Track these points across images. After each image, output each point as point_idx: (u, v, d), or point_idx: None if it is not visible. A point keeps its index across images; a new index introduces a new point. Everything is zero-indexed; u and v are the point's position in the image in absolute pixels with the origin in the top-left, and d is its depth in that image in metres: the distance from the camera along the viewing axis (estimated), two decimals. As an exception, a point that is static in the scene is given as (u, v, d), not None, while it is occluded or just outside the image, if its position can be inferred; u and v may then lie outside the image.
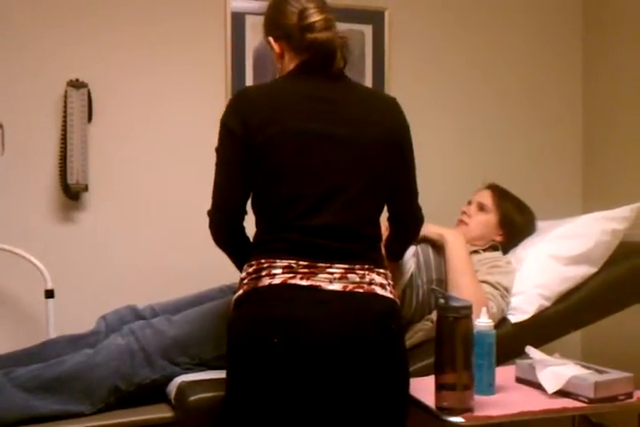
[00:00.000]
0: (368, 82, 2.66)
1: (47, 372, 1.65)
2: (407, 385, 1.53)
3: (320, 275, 1.47)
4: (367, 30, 2.68)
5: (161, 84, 2.47)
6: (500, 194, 2.30)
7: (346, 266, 1.49)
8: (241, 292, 1.52)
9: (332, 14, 1.59)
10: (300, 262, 1.47)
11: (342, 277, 1.47)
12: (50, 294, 2.16)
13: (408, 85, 2.72)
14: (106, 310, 2.03)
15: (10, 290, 2.32)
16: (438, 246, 2.08)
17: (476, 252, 2.17)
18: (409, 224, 1.75)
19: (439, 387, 1.50)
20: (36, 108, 2.34)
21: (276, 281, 1.46)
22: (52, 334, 2.08)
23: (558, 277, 2.06)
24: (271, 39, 1.64)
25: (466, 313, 1.49)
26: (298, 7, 1.57)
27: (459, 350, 1.48)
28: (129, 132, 2.44)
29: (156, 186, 2.46)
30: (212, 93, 2.51)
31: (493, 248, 2.23)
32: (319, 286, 1.46)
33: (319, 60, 1.58)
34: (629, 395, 1.59)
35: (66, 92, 2.31)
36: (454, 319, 1.49)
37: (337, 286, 1.47)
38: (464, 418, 1.44)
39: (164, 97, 2.48)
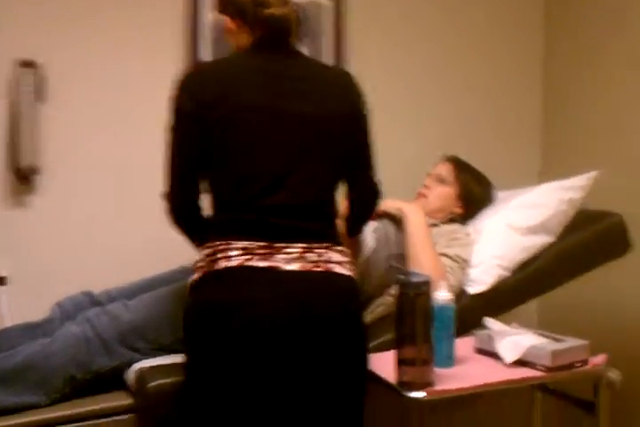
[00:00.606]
0: (327, 55, 2.60)
1: (1, 363, 1.61)
2: (366, 364, 1.53)
3: (277, 255, 1.45)
4: (326, 2, 2.63)
5: (117, 64, 2.39)
6: (459, 166, 2.30)
7: (304, 245, 1.48)
8: (196, 276, 1.50)
9: None
10: (257, 243, 1.45)
11: (300, 257, 1.46)
12: (2, 281, 2.11)
13: (369, 58, 2.68)
14: (62, 295, 1.99)
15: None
16: (398, 221, 2.07)
17: (435, 225, 2.17)
18: (367, 199, 1.73)
19: (399, 362, 1.50)
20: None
21: (233, 263, 1.44)
22: (8, 323, 2.03)
23: (517, 247, 2.07)
24: (225, 17, 1.60)
25: (425, 289, 1.49)
26: None
27: (418, 325, 1.48)
28: (84, 114, 2.36)
29: (111, 167, 2.40)
30: (167, 73, 2.41)
31: (452, 220, 2.24)
32: (277, 266, 1.44)
33: (274, 36, 1.56)
34: (585, 362, 1.61)
35: (14, 72, 2.24)
36: (414, 295, 1.48)
37: (295, 266, 1.45)
38: (425, 392, 1.45)
39: (119, 77, 2.40)
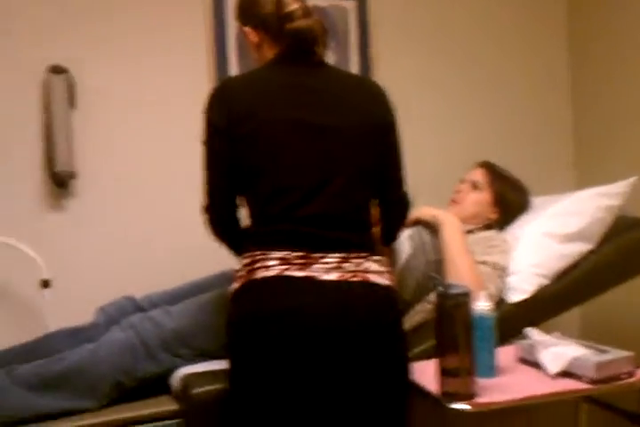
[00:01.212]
0: (353, 60, 2.62)
1: (49, 369, 1.64)
2: (407, 373, 1.53)
3: (315, 265, 1.46)
4: (350, 6, 2.63)
5: (145, 68, 2.43)
6: (493, 172, 2.29)
7: (341, 255, 1.48)
8: (237, 285, 1.51)
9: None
10: (295, 253, 1.46)
11: (337, 267, 1.47)
12: (46, 284, 2.14)
13: (394, 62, 2.68)
14: (102, 298, 2.02)
15: (3, 282, 2.29)
16: (433, 228, 2.07)
17: (470, 231, 2.16)
18: (397, 210, 1.73)
19: (442, 373, 1.50)
20: (18, 96, 2.29)
21: (271, 273, 1.45)
22: (50, 325, 2.06)
23: (554, 255, 2.06)
24: (247, 29, 1.61)
25: (464, 300, 1.49)
26: None
27: (460, 335, 1.48)
28: (115, 118, 2.40)
29: (146, 170, 2.43)
30: (195, 76, 2.47)
31: (488, 227, 2.23)
32: (314, 276, 1.45)
33: (300, 48, 1.56)
34: (630, 374, 1.60)
35: (46, 78, 2.26)
36: (453, 306, 1.48)
37: (332, 276, 1.46)
38: (469, 405, 1.45)
39: (148, 81, 2.43)
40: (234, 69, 2.50)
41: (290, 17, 1.54)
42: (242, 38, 2.44)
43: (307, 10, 1.56)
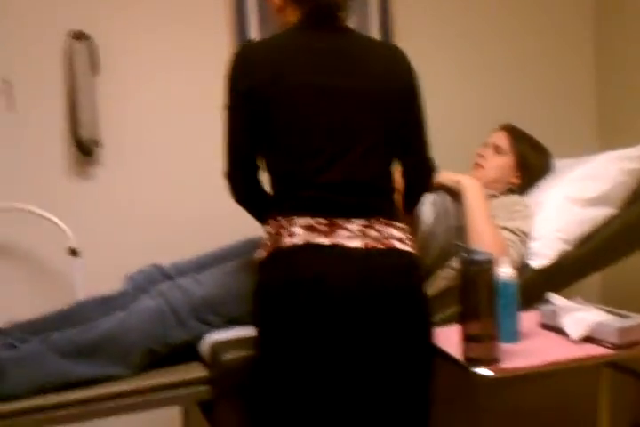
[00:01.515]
0: (373, 26, 2.59)
1: (83, 336, 1.68)
2: (431, 337, 1.56)
3: (339, 231, 1.48)
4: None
5: (166, 33, 2.42)
6: (515, 135, 2.28)
7: (363, 221, 1.50)
8: (263, 253, 1.54)
9: None
10: (319, 220, 1.49)
11: (362, 234, 1.49)
12: (74, 252, 2.18)
13: (414, 29, 2.65)
14: (130, 266, 2.05)
15: (32, 251, 2.33)
16: (455, 193, 2.08)
17: (493, 196, 2.17)
18: (422, 175, 1.74)
19: (465, 338, 1.52)
20: (40, 63, 2.29)
21: (297, 240, 1.47)
22: (81, 294, 2.11)
23: (577, 219, 2.06)
24: None
25: (488, 266, 1.51)
26: None
27: (483, 301, 1.49)
28: (138, 85, 2.40)
29: (170, 138, 2.44)
30: (217, 41, 2.46)
31: (510, 191, 2.23)
32: (341, 243, 1.47)
33: (322, 13, 1.55)
34: (653, 339, 1.62)
35: (68, 44, 2.26)
36: (477, 273, 1.50)
37: (358, 243, 1.48)
38: (492, 370, 1.48)
39: (169, 47, 2.42)
40: (255, 33, 2.48)
41: None
42: (263, 1, 2.44)
43: None
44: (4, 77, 2.23)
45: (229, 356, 1.67)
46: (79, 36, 2.27)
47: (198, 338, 1.77)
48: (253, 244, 1.98)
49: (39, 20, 2.28)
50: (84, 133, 2.28)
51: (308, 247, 1.47)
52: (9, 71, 2.25)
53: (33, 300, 2.25)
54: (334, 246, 1.47)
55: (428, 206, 2.02)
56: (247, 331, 1.64)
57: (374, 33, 2.58)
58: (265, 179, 1.63)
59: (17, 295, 2.28)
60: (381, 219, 1.52)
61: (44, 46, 2.29)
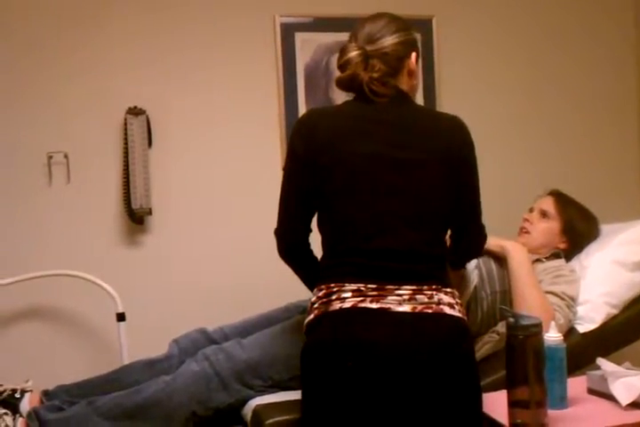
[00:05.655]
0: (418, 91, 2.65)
1: (128, 400, 1.70)
2: (481, 406, 1.53)
3: (389, 297, 1.48)
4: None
5: (215, 106, 2.51)
6: (562, 200, 2.28)
7: (414, 287, 1.50)
8: (312, 316, 1.55)
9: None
10: (369, 285, 1.49)
11: (411, 299, 1.49)
12: (121, 317, 2.22)
13: (459, 93, 2.71)
14: (175, 331, 2.08)
15: (81, 315, 2.39)
16: (500, 258, 2.08)
17: (538, 260, 2.16)
18: (475, 242, 1.75)
19: (512, 404, 1.49)
20: (97, 137, 2.40)
21: (347, 305, 1.48)
22: (126, 357, 2.14)
23: (624, 283, 2.05)
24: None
25: (536, 331, 1.49)
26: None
27: (530, 367, 1.47)
28: (188, 156, 2.49)
29: (218, 207, 2.51)
30: (266, 114, 2.55)
31: (556, 256, 2.22)
32: (389, 308, 1.48)
33: (363, 91, 1.58)
34: (703, 404, 1.56)
35: (125, 119, 2.38)
36: (525, 338, 1.48)
37: (406, 308, 1.48)
38: (539, 436, 1.44)
39: (219, 119, 2.52)
40: (302, 105, 2.56)
41: (341, 67, 1.60)
42: (310, 72, 2.54)
43: (359, 56, 1.56)
44: (65, 152, 2.35)
45: (272, 420, 1.67)
46: (136, 111, 2.38)
47: (241, 402, 1.78)
48: (296, 309, 2.00)
49: (98, 97, 2.40)
50: (138, 203, 2.37)
51: (357, 311, 1.48)
52: (69, 146, 2.36)
53: (80, 363, 2.29)
54: (382, 310, 1.47)
55: (473, 270, 2.02)
56: (290, 395, 1.64)
57: (418, 97, 2.63)
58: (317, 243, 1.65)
59: (64, 359, 2.32)
60: (431, 284, 1.52)
61: (103, 121, 2.40)
